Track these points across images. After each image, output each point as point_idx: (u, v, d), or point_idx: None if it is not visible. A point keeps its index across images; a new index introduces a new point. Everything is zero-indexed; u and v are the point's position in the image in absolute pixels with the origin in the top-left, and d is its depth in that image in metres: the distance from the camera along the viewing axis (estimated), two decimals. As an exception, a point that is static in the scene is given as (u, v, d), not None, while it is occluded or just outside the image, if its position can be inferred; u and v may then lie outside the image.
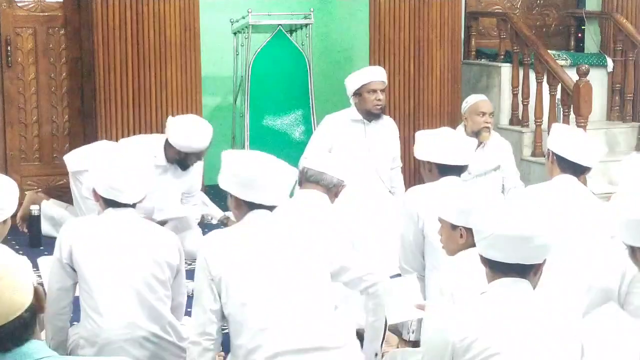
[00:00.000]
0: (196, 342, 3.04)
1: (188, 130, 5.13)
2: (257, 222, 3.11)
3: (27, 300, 2.04)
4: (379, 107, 5.75)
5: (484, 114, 5.76)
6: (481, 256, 2.67)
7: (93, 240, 3.45)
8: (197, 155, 5.24)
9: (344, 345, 3.04)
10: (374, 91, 5.73)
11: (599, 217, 3.91)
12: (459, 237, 3.28)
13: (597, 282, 3.26)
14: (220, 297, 3.02)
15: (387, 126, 5.93)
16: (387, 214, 5.29)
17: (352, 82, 5.78)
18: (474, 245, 3.11)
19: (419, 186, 4.22)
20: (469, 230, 3.17)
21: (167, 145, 5.22)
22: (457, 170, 4.08)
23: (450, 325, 2.58)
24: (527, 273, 2.61)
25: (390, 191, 5.91)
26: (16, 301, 2.01)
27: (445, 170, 4.05)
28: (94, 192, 3.58)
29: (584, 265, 3.64)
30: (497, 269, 2.62)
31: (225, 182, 3.16)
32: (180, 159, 5.24)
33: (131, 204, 3.55)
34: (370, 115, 5.77)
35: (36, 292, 2.08)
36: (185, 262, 3.76)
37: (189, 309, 3.50)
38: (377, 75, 5.79)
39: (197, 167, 5.43)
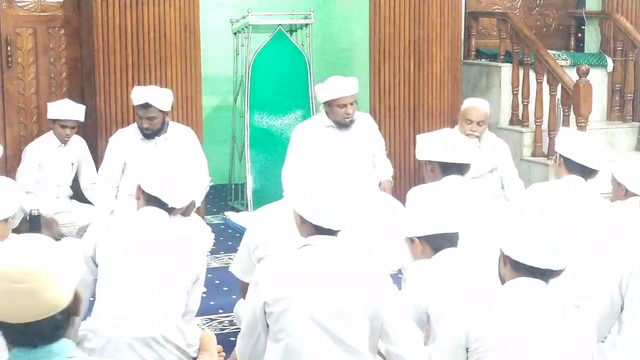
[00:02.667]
0: None
1: None
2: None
3: (63, 302, 2.01)
4: (349, 119, 5.59)
5: (470, 122, 5.60)
6: (506, 255, 2.66)
7: (119, 237, 3.43)
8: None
9: None
10: (344, 105, 5.54)
11: (606, 218, 3.94)
12: (418, 249, 3.29)
13: (597, 285, 3.25)
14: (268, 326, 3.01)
15: (363, 126, 5.74)
16: (381, 213, 5.25)
17: (323, 94, 5.58)
18: (433, 253, 3.22)
19: (421, 185, 4.21)
20: (423, 239, 3.24)
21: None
22: (460, 168, 4.10)
23: (467, 312, 2.61)
24: (550, 277, 2.63)
25: (380, 184, 5.79)
26: (52, 301, 1.99)
27: (448, 169, 4.07)
28: (138, 187, 3.51)
29: (586, 265, 3.64)
30: (523, 270, 2.62)
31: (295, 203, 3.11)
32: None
33: (169, 207, 3.49)
34: (341, 125, 5.62)
35: (75, 296, 2.06)
36: None
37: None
38: (346, 90, 5.54)
39: None
